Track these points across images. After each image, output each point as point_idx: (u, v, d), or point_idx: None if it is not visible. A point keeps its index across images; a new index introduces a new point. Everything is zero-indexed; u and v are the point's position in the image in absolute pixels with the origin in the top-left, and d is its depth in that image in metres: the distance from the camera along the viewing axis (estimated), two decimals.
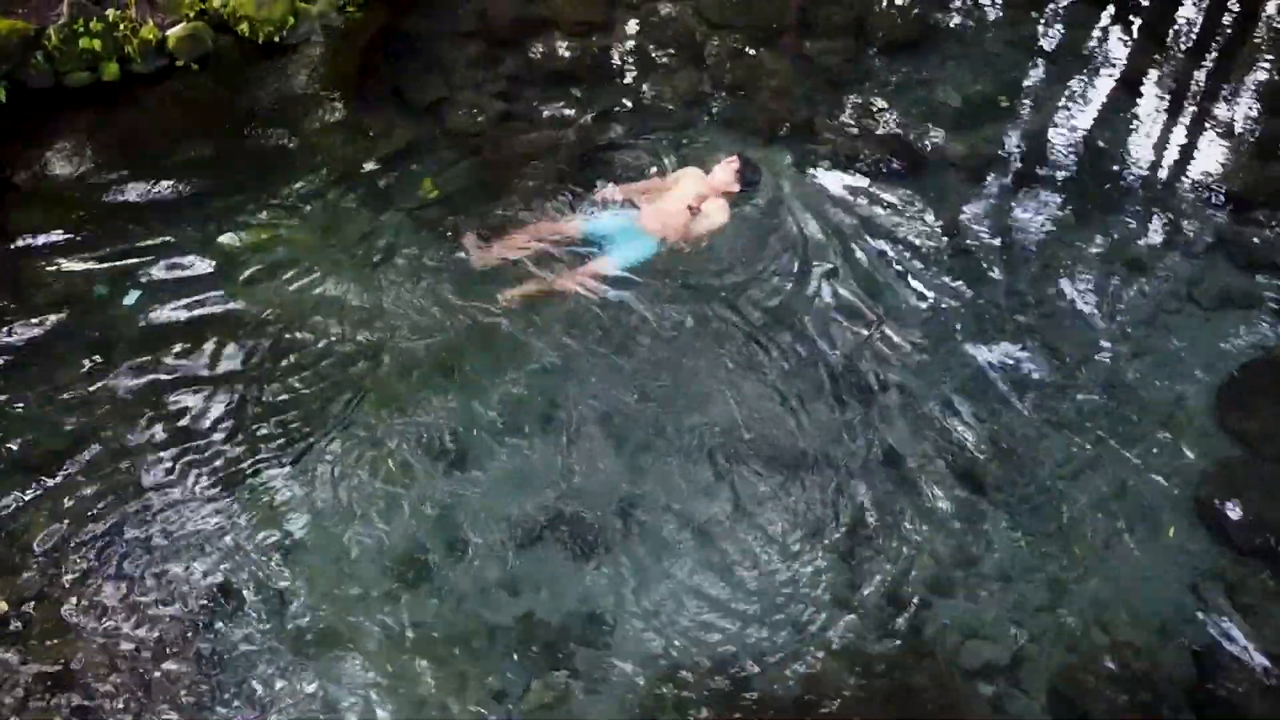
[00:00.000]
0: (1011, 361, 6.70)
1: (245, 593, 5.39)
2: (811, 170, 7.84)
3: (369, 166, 7.55)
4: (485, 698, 5.17)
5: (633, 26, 8.77)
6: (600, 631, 5.47)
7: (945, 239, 7.45)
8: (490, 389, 6.38)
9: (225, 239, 7.02)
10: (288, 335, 6.49)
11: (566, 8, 8.73)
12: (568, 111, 8.05)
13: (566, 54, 8.49)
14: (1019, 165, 7.96)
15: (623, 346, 6.67)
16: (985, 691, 5.35)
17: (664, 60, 8.53)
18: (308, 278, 6.80)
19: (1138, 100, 8.65)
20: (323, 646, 5.25)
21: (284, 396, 6.21)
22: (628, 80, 8.39)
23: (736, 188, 7.19)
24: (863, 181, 7.77)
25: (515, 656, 5.34)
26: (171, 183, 7.33)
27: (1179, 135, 8.30)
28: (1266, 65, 9.14)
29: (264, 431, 6.03)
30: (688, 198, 7.01)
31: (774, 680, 5.27)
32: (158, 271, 6.79)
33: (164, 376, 6.22)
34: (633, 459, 6.16)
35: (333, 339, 6.49)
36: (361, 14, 8.32)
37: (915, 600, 5.65)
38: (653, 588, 5.64)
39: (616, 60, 8.47)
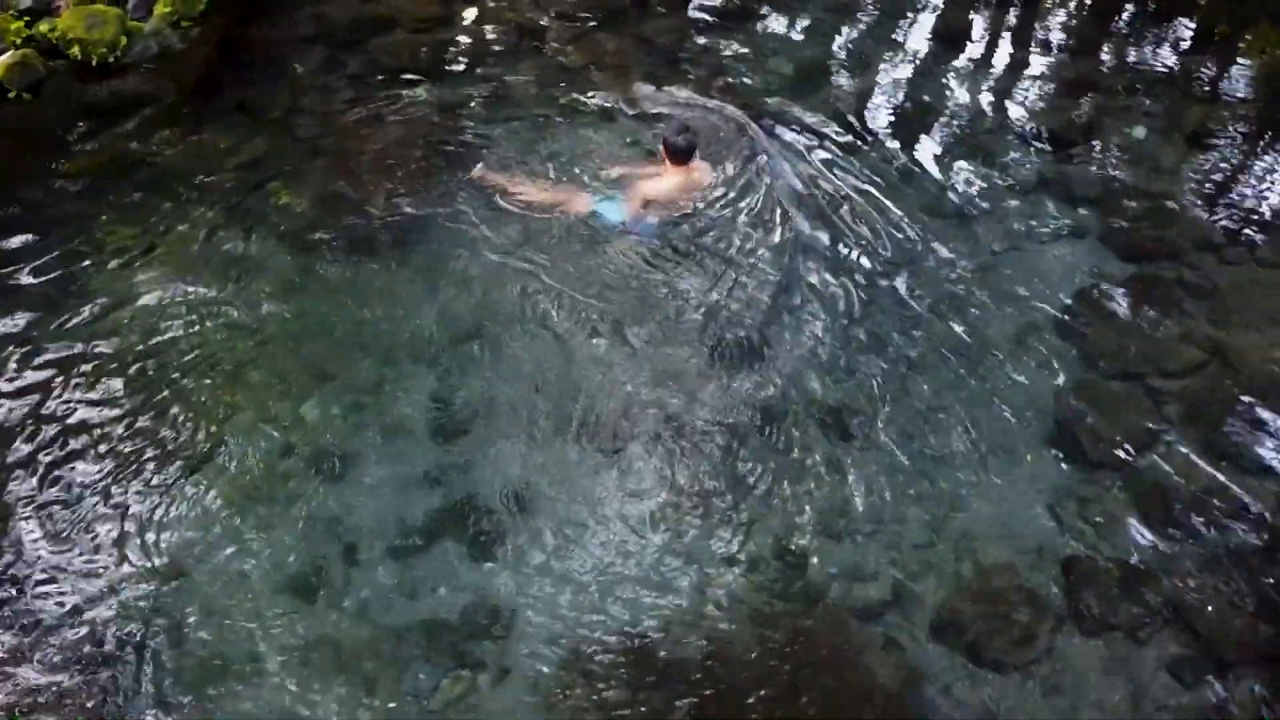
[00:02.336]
0: (865, 312, 6.74)
1: (140, 630, 5.10)
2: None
3: (221, 182, 7.19)
4: (396, 703, 5.00)
5: (473, 18, 8.51)
6: (503, 622, 5.34)
7: (787, 200, 7.46)
8: (369, 394, 6.18)
9: (78, 267, 6.60)
10: (150, 359, 6.16)
11: (406, 5, 8.44)
12: (417, 108, 7.78)
13: (410, 51, 8.19)
14: (853, 123, 7.99)
15: (499, 340, 6.52)
16: (876, 630, 5.40)
17: (507, 48, 8.31)
18: (166, 300, 6.47)
19: (956, 53, 8.79)
20: (226, 674, 5.01)
21: (152, 421, 5.90)
22: (474, 71, 8.14)
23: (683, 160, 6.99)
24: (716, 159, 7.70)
25: (421, 658, 5.18)
26: (14, 213, 6.87)
27: (998, 83, 8.46)
28: (1068, 11, 9.36)
29: (135, 462, 5.71)
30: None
31: (677, 646, 5.22)
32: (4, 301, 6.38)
33: (21, 410, 5.82)
34: (520, 448, 6.03)
35: (198, 358, 6.19)
36: (198, 29, 7.88)
37: (801, 551, 5.67)
38: (551, 572, 5.54)
39: (460, 52, 8.22)
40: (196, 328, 6.35)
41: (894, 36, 8.77)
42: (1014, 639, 5.32)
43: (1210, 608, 5.38)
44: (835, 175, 7.60)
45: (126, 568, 5.33)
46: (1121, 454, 6.10)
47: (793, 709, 4.96)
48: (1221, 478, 5.97)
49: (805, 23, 8.84)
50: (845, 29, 8.88)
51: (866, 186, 7.50)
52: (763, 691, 5.01)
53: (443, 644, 5.24)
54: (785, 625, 5.34)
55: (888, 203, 7.42)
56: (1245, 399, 6.26)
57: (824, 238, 7.12)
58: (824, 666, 5.13)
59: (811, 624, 5.34)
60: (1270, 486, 5.91)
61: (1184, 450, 6.12)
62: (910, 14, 9.11)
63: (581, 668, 5.16)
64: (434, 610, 5.36)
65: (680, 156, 6.90)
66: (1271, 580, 5.47)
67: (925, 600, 5.51)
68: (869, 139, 7.92)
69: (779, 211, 7.28)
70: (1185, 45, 8.93)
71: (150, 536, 5.45)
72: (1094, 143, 7.90)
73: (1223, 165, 7.54)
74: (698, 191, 7.02)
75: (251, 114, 7.60)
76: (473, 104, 7.87)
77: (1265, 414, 6.19)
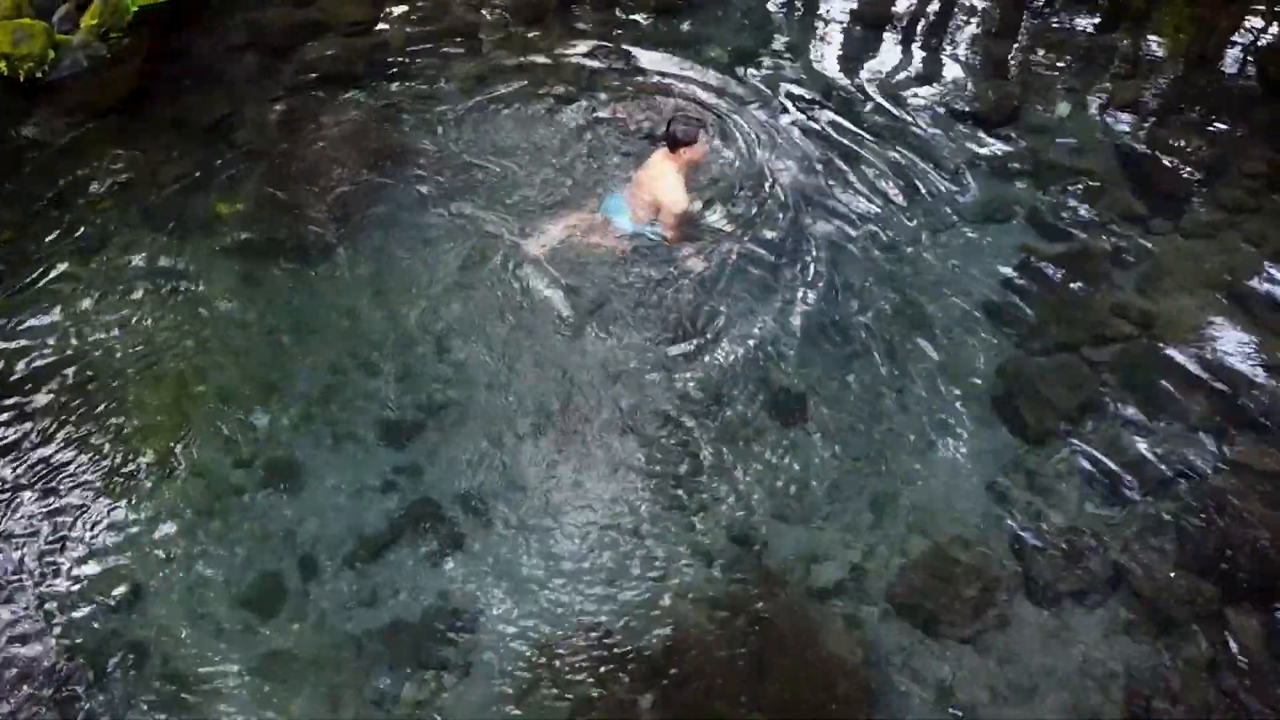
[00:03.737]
0: (807, 299, 6.71)
1: (100, 655, 4.94)
2: (593, 145, 7.64)
3: (157, 193, 6.96)
4: (361, 710, 4.89)
5: (406, 19, 8.31)
6: (464, 623, 5.25)
7: (725, 186, 7.41)
8: (317, 402, 6.04)
9: (11, 281, 6.38)
10: (92, 374, 5.99)
11: (338, 9, 8.22)
12: (353, 112, 7.60)
13: (343, 55, 7.99)
14: (787, 109, 7.95)
15: (448, 341, 6.41)
16: (836, 608, 5.39)
17: (439, 49, 8.14)
18: (106, 315, 6.28)
19: (882, 38, 8.76)
20: (187, 692, 4.87)
21: (98, 438, 5.73)
22: (407, 73, 7.96)
23: (693, 153, 6.72)
24: (643, 143, 7.63)
25: (384, 663, 5.07)
26: None
27: (924, 66, 8.46)
28: None
29: (83, 480, 5.53)
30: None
31: (639, 636, 5.17)
32: None
33: None
34: (473, 448, 5.94)
35: (142, 372, 6.03)
36: (127, 39, 7.60)
37: (757, 536, 5.64)
38: (509, 571, 5.46)
39: (394, 55, 8.02)
40: (140, 342, 6.16)
41: (821, 24, 8.74)
42: (966, 611, 5.34)
43: (1153, 571, 5.43)
44: (769, 162, 7.55)
45: (79, 587, 5.16)
46: (1061, 425, 6.14)
47: (756, 692, 4.92)
48: (1158, 443, 6.04)
49: (739, 12, 8.77)
50: (775, 18, 8.82)
51: (801, 174, 7.45)
52: (725, 677, 4.97)
53: (404, 649, 5.15)
54: (744, 610, 5.30)
55: (824, 188, 7.38)
56: (1176, 365, 6.33)
57: (763, 228, 7.06)
58: (785, 649, 5.10)
59: (770, 607, 5.31)
60: (1205, 447, 5.99)
61: (1121, 418, 6.18)
62: (828, 5, 9.10)
63: (545, 664, 5.09)
64: (395, 615, 5.26)
65: (685, 140, 6.63)
66: (1210, 540, 5.53)
67: (880, 578, 5.51)
68: (803, 125, 7.88)
69: (721, 203, 7.24)
70: (1104, 23, 9.00)
71: (103, 554, 5.28)
72: (1020, 121, 7.93)
73: (1144, 138, 7.62)
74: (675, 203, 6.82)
75: (185, 124, 7.36)
76: (407, 106, 7.70)
77: (1195, 378, 6.26)
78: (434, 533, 5.59)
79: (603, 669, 5.02)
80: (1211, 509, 5.66)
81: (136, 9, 7.42)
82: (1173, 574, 5.42)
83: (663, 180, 6.65)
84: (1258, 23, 8.98)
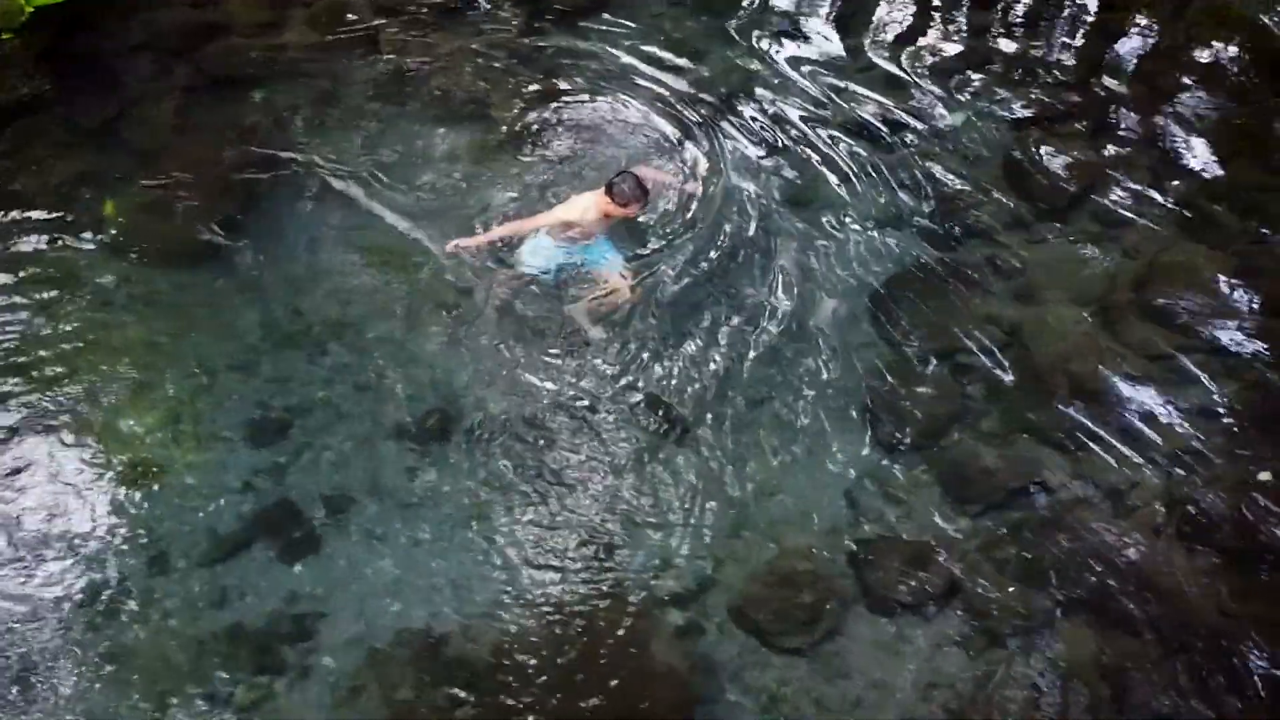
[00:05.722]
0: (686, 304, 6.64)
1: None
2: (490, 149, 7.58)
3: (46, 194, 6.91)
4: (189, 712, 4.89)
5: (307, 22, 8.23)
6: (308, 626, 5.26)
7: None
8: (186, 403, 6.03)
9: None
10: None
11: (238, 10, 8.13)
12: (248, 114, 7.54)
13: (242, 57, 7.92)
14: (684, 116, 7.87)
15: (322, 343, 6.40)
16: (676, 617, 5.37)
17: (341, 51, 8.06)
18: None
19: (784, 46, 8.64)
20: (17, 691, 4.85)
21: None
22: (309, 74, 7.89)
23: (623, 211, 6.51)
24: (541, 151, 7.57)
25: (222, 665, 5.06)
26: None
27: (823, 76, 8.37)
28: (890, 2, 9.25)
29: None
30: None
31: (473, 641, 5.17)
32: None
33: None
34: (336, 450, 5.93)
35: (8, 369, 5.99)
36: (18, 39, 7.50)
37: (610, 544, 5.62)
38: (360, 575, 5.46)
39: (294, 57, 7.95)
40: (14, 340, 6.13)
41: (728, 32, 8.63)
42: (803, 622, 5.33)
43: (989, 584, 5.40)
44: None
45: None
46: (923, 435, 6.10)
47: (579, 699, 4.91)
48: (1016, 453, 5.99)
49: (647, 18, 8.68)
50: (683, 24, 8.73)
51: (693, 181, 7.38)
52: (548, 683, 4.96)
53: (245, 651, 5.15)
54: (582, 617, 5.29)
55: (715, 195, 7.30)
56: (1039, 377, 6.27)
57: (646, 231, 7.01)
58: (610, 656, 5.09)
59: (608, 615, 5.29)
60: (1056, 460, 5.94)
61: (983, 428, 6.15)
62: (744, 9, 8.98)
63: (378, 668, 5.09)
64: (240, 617, 5.26)
65: (628, 203, 6.46)
66: (1048, 554, 5.49)
67: (725, 587, 5.49)
68: (701, 132, 7.80)
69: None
70: (999, 32, 8.89)
71: None
72: (914, 130, 7.85)
73: (1035, 146, 7.53)
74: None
75: (76, 124, 7.28)
76: (305, 109, 7.63)
77: (1057, 390, 6.20)
78: (289, 535, 5.59)
79: (429, 674, 5.02)
80: (1054, 522, 5.63)
81: (33, 10, 7.35)
82: (1009, 588, 5.39)
83: (583, 208, 6.56)
84: (1150, 33, 8.88)
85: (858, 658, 5.23)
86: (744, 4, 9.03)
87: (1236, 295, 6.57)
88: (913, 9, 9.14)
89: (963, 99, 8.10)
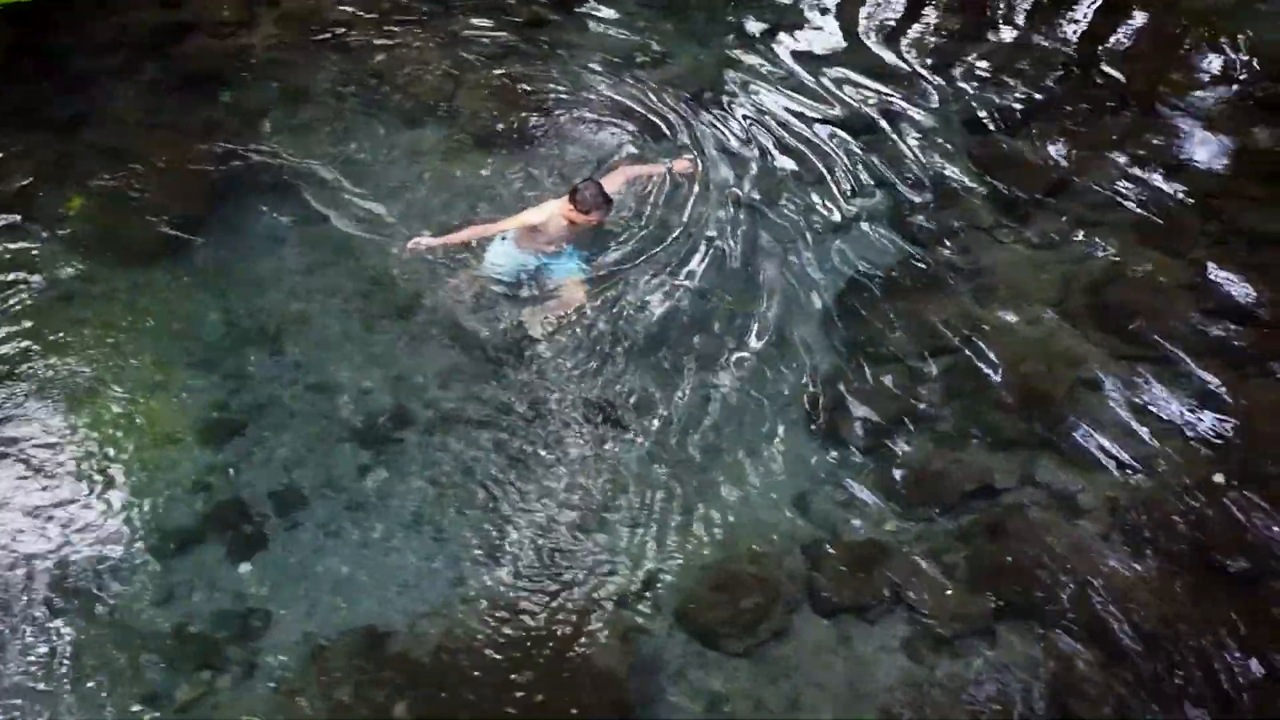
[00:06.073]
0: (642, 305, 6.64)
1: None
2: (458, 149, 7.58)
3: (8, 189, 6.92)
4: (127, 709, 4.89)
5: (276, 21, 8.24)
6: (253, 625, 5.25)
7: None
8: (141, 400, 6.03)
9: None
10: None
11: (207, 9, 8.14)
12: (214, 112, 7.55)
13: (211, 55, 7.94)
14: (653, 112, 7.87)
15: (280, 342, 6.42)
16: (621, 618, 5.34)
17: (310, 51, 8.08)
18: None
19: (751, 45, 8.62)
20: None
21: None
22: (275, 73, 7.90)
23: (584, 219, 6.47)
24: (511, 152, 7.56)
25: (165, 662, 5.07)
26: None
27: (790, 74, 8.35)
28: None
29: None
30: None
31: (414, 640, 5.16)
32: None
33: None
34: (290, 449, 5.94)
35: None
36: None
37: (558, 543, 5.61)
38: (309, 573, 5.46)
39: (261, 58, 7.97)
40: None
41: (699, 30, 8.62)
42: (748, 624, 5.30)
43: (932, 588, 5.38)
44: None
45: None
46: (875, 437, 6.08)
47: (507, 699, 4.91)
48: (968, 456, 5.97)
49: (615, 18, 8.67)
50: (655, 23, 8.72)
51: (683, 160, 7.35)
52: (482, 683, 4.96)
53: (189, 648, 5.14)
54: (526, 618, 5.28)
55: (678, 193, 7.29)
56: (995, 379, 6.25)
57: (617, 232, 7.00)
58: (551, 657, 5.09)
59: (552, 616, 5.29)
60: (1008, 464, 5.92)
61: (936, 431, 6.12)
62: (714, 8, 8.97)
63: (321, 667, 5.08)
64: (186, 614, 5.26)
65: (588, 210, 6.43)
66: (993, 558, 5.47)
67: (671, 589, 5.46)
68: (669, 132, 7.80)
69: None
70: (968, 33, 8.86)
71: None
72: (881, 130, 7.83)
73: (1001, 147, 7.52)
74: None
75: (40, 120, 7.29)
76: (272, 107, 7.65)
77: (1012, 393, 6.18)
78: (240, 533, 5.59)
79: (368, 674, 5.02)
80: (1002, 526, 5.61)
81: (1, 8, 7.39)
82: (954, 591, 5.37)
83: (549, 214, 6.53)
84: (1120, 32, 8.85)
85: (801, 660, 5.21)
86: (715, 2, 9.01)
87: (1193, 300, 6.55)
88: (892, 8, 9.11)
89: (932, 100, 8.08)
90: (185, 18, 8.08)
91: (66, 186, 6.98)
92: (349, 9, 8.39)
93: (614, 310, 6.59)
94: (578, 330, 6.49)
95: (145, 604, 5.27)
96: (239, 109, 7.61)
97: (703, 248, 7.01)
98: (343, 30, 8.20)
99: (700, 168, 7.30)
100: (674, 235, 7.03)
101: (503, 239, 6.64)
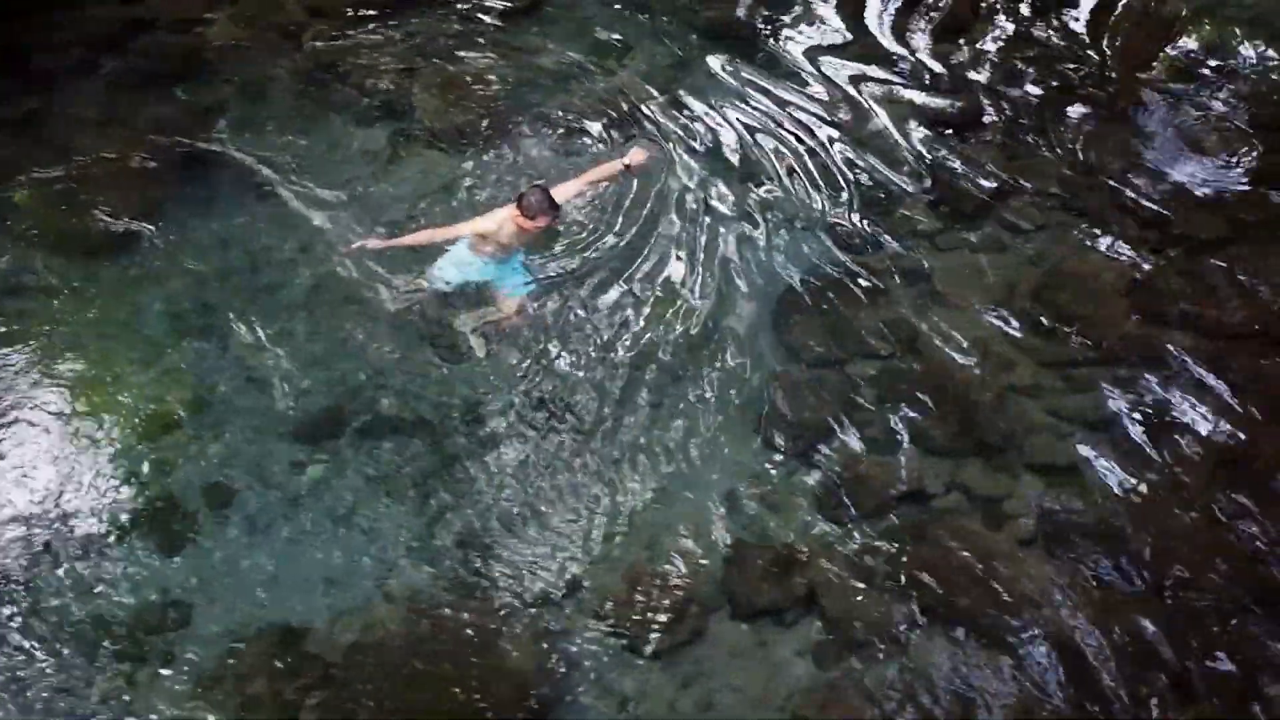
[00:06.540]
0: (589, 309, 6.65)
1: None
2: (413, 149, 7.60)
3: None
4: (44, 700, 4.92)
5: (233, 19, 8.26)
6: (176, 618, 5.29)
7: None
8: (81, 395, 6.07)
9: None
10: None
11: (167, 5, 8.18)
12: (170, 109, 7.58)
13: (168, 52, 7.97)
14: (607, 117, 7.87)
15: (225, 336, 6.46)
16: (541, 618, 5.36)
17: (267, 48, 8.11)
18: None
19: (716, 49, 8.61)
20: None
21: None
22: (233, 70, 7.93)
23: (537, 223, 6.38)
24: (467, 152, 7.57)
25: (83, 653, 5.11)
26: None
27: (757, 77, 8.33)
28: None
29: None
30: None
31: (331, 636, 5.21)
32: None
33: None
34: (226, 444, 5.97)
35: None
36: None
37: (487, 543, 5.63)
38: (235, 569, 5.50)
39: (220, 52, 7.99)
40: None
41: (659, 32, 8.60)
42: (665, 626, 5.32)
43: (849, 592, 5.38)
44: (574, 170, 7.49)
45: None
46: (810, 440, 6.08)
47: (416, 697, 4.95)
48: (899, 460, 5.97)
49: (574, 19, 8.67)
50: (616, 24, 8.71)
51: (638, 150, 7.31)
52: (392, 680, 4.99)
53: (110, 640, 5.18)
54: (446, 616, 5.31)
55: (630, 193, 7.29)
56: (928, 385, 6.24)
57: (553, 240, 7.02)
58: (465, 656, 5.12)
59: (471, 615, 5.32)
60: (936, 469, 5.92)
61: (869, 435, 6.11)
62: (669, 9, 8.94)
63: (237, 661, 5.11)
64: (109, 606, 5.29)
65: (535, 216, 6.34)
66: (913, 562, 5.47)
67: (594, 590, 5.48)
68: (625, 132, 7.80)
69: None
70: (924, 36, 8.82)
71: None
72: (832, 134, 7.81)
73: (950, 151, 7.49)
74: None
75: None
76: (228, 104, 7.69)
77: (944, 397, 6.18)
78: (170, 527, 5.63)
79: (283, 669, 5.05)
80: (925, 532, 5.61)
81: None
82: (872, 596, 5.37)
83: (499, 221, 6.51)
84: (1063, 39, 8.80)
85: (715, 662, 5.23)
86: (675, 4, 8.99)
87: (1128, 306, 6.52)
88: (846, 13, 9.09)
89: (883, 103, 8.06)
90: (143, 14, 8.11)
91: (17, 180, 7.02)
92: (308, 6, 8.40)
93: (555, 314, 6.61)
94: (517, 335, 6.50)
95: (70, 594, 5.31)
96: (194, 106, 7.65)
97: (648, 251, 7.00)
98: (300, 28, 8.23)
99: (654, 158, 7.28)
100: (621, 239, 7.04)
101: (455, 245, 6.62)
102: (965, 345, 6.41)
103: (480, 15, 8.66)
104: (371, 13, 8.44)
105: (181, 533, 5.62)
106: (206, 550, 5.56)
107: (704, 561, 5.60)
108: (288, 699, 4.94)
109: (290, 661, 5.09)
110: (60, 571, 5.38)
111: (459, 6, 8.69)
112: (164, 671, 5.10)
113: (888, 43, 8.80)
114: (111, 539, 5.54)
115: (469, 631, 5.23)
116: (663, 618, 5.33)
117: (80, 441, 5.88)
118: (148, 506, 5.68)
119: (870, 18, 9.09)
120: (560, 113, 7.98)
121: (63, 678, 5.02)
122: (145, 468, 5.83)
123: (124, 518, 5.62)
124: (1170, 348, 6.33)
